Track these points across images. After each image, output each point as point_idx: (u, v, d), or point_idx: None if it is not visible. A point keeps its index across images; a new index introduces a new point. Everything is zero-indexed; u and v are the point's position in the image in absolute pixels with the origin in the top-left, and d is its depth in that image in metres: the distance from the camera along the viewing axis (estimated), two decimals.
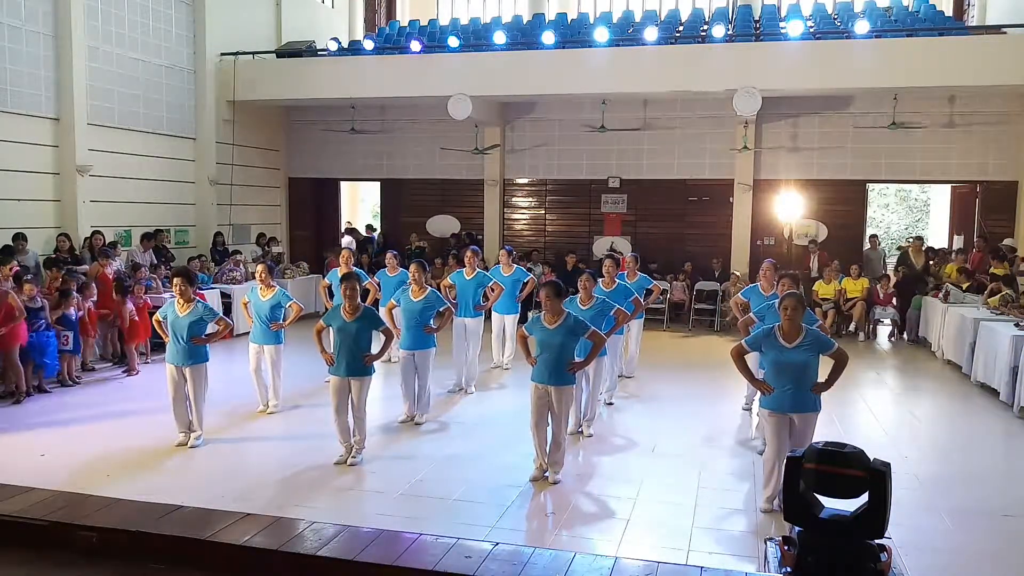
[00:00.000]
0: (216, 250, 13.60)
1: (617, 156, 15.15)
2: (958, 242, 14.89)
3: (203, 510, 3.51)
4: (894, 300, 12.85)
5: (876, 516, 3.15)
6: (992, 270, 11.64)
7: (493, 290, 9.36)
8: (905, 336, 12.68)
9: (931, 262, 13.36)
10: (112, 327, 10.18)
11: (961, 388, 9.54)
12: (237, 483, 6.03)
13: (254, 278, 8.98)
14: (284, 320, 8.01)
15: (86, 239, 11.36)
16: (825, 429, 6.62)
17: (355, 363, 6.42)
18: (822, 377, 5.45)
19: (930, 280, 12.70)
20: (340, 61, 14.72)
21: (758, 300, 7.55)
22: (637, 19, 16.50)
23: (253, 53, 14.56)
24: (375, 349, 6.89)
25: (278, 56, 15.10)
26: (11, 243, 10.16)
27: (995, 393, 8.80)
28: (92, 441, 7.00)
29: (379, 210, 18.03)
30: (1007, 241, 13.04)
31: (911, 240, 14.58)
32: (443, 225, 16.16)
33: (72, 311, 9.02)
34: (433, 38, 15.88)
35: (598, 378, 7.46)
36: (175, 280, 6.92)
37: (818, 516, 3.25)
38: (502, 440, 7.17)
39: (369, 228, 17.45)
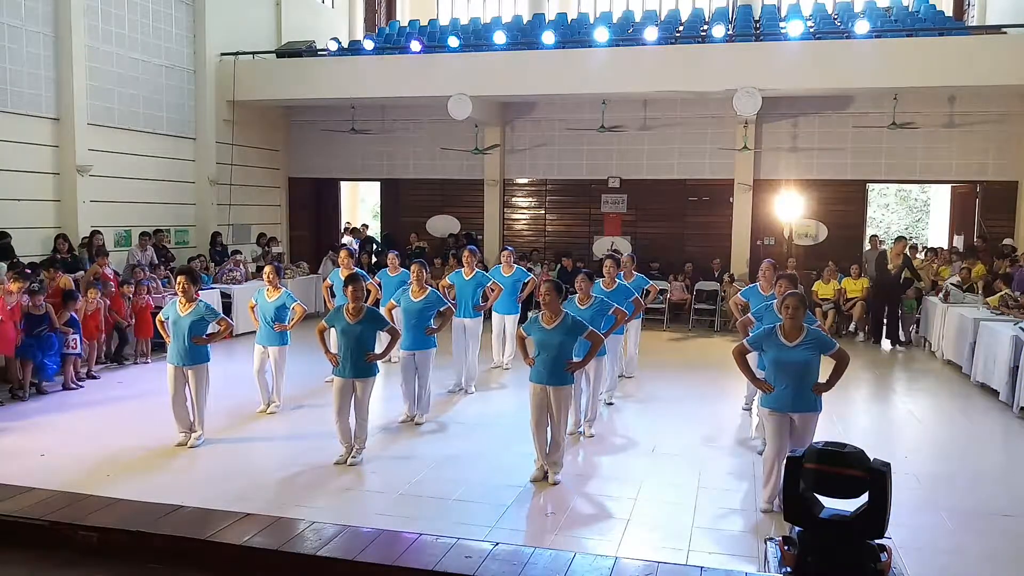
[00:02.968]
0: (215, 250, 13.59)
1: (617, 156, 15.16)
2: (958, 242, 14.89)
3: (203, 510, 3.50)
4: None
5: (876, 516, 3.15)
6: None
7: (492, 290, 9.37)
8: (871, 337, 12.44)
9: (932, 263, 13.23)
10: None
11: (961, 388, 9.54)
12: (237, 483, 6.03)
13: (256, 278, 8.99)
14: (288, 321, 8.02)
15: (84, 239, 11.35)
16: (825, 429, 6.62)
17: (359, 364, 6.41)
18: (823, 377, 5.46)
19: (915, 283, 12.40)
20: (340, 61, 14.72)
21: (757, 300, 7.55)
22: (637, 19, 16.50)
23: (253, 53, 14.56)
24: (379, 349, 6.90)
25: (278, 56, 15.10)
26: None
27: (995, 393, 8.79)
28: (92, 441, 7.01)
29: (379, 210, 18.03)
30: (1007, 241, 13.04)
31: (895, 240, 13.59)
32: (443, 225, 16.16)
33: (75, 314, 8.97)
34: (433, 38, 15.87)
35: (599, 378, 7.46)
36: (179, 279, 6.91)
37: (818, 516, 3.25)
38: (502, 440, 7.17)
39: (364, 227, 17.37)
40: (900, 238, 13.33)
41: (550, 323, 5.99)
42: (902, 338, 12.41)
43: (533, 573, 2.81)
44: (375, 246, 16.05)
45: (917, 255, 13.95)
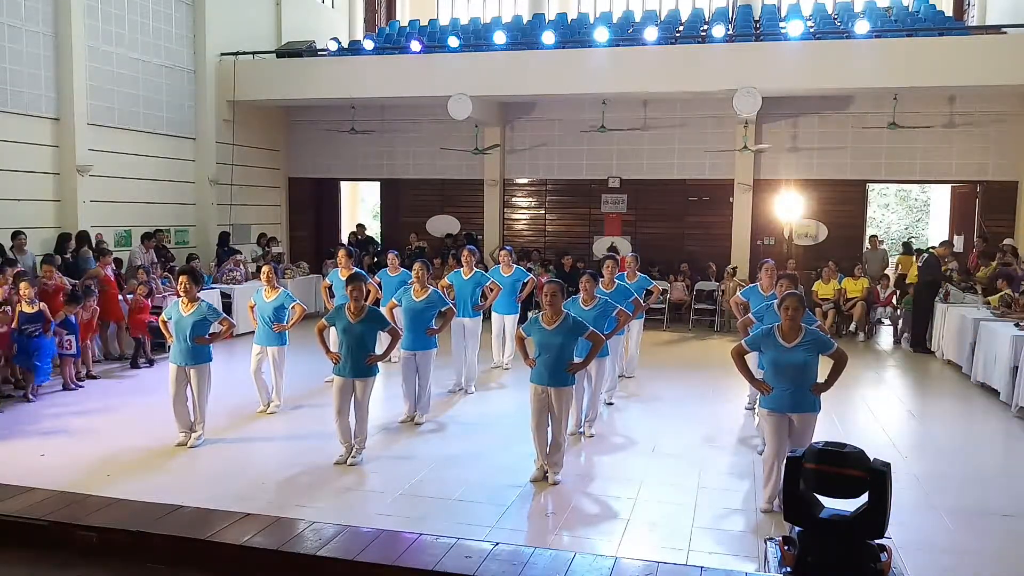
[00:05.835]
0: (223, 250, 13.55)
1: (617, 156, 15.16)
2: (958, 242, 14.88)
3: (203, 510, 3.50)
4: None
5: (876, 516, 3.15)
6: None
7: (492, 290, 9.37)
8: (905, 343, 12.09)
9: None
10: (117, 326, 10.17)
11: (961, 388, 9.54)
12: (237, 483, 6.03)
13: (256, 278, 8.94)
14: (287, 321, 8.01)
15: (78, 238, 11.28)
16: (825, 429, 6.62)
17: (360, 364, 6.41)
18: (821, 378, 5.46)
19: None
20: (340, 61, 14.72)
21: (758, 300, 7.55)
22: (637, 19, 16.50)
23: (253, 53, 14.56)
24: (379, 349, 6.89)
25: (278, 56, 15.10)
26: (10, 240, 10.15)
27: (995, 393, 8.80)
28: (92, 441, 7.01)
29: (379, 210, 18.02)
30: (1007, 241, 13.03)
31: (942, 244, 12.92)
32: (443, 225, 16.16)
33: (73, 315, 8.95)
34: (433, 38, 15.88)
35: (600, 378, 7.45)
36: (181, 279, 6.89)
37: (818, 516, 3.25)
38: (502, 440, 7.17)
39: (360, 228, 17.26)
40: (946, 242, 13.05)
41: (551, 324, 5.98)
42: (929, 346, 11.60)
43: (533, 573, 2.81)
44: (375, 247, 16.01)
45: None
